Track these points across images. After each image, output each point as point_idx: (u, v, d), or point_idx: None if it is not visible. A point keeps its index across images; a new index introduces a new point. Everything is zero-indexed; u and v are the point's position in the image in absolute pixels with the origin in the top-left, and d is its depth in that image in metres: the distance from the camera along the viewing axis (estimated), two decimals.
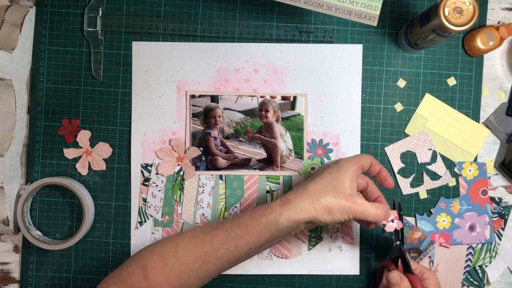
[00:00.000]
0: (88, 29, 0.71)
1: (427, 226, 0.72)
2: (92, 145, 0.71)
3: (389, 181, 0.63)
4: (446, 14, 0.58)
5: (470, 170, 0.72)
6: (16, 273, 0.72)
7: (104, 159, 0.72)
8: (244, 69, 0.72)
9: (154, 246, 0.60)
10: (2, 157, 0.66)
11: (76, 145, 0.72)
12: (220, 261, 0.58)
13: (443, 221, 0.72)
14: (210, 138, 0.71)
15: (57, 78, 0.72)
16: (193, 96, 0.71)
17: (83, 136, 0.71)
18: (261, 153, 0.72)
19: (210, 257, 0.57)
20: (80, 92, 0.72)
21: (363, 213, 0.58)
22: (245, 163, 0.71)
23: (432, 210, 0.72)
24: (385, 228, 0.62)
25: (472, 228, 0.72)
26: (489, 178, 0.73)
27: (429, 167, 0.72)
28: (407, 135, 0.72)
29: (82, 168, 0.71)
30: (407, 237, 0.71)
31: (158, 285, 0.57)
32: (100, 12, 0.71)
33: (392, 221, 0.62)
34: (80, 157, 0.72)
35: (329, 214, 0.57)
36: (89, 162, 0.72)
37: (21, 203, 0.69)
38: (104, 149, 0.71)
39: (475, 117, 0.72)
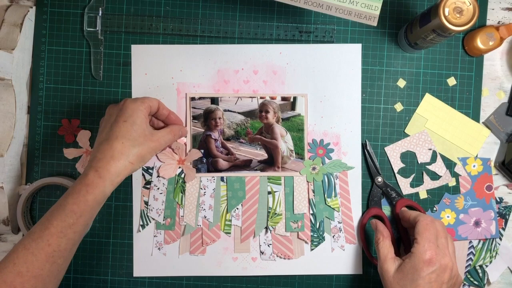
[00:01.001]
0: (88, 29, 0.71)
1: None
2: (92, 145, 0.71)
3: (178, 122, 0.68)
4: (446, 14, 0.58)
5: (474, 166, 0.72)
6: None
7: None
8: (244, 71, 0.72)
9: None
10: (2, 157, 0.66)
11: (76, 145, 0.72)
12: (66, 250, 0.57)
13: (448, 216, 0.72)
14: (210, 140, 0.71)
15: (57, 78, 0.72)
16: (193, 99, 0.71)
17: (83, 136, 0.71)
18: (262, 154, 0.72)
19: (55, 255, 0.56)
20: (80, 92, 0.72)
21: (166, 143, 0.64)
22: (246, 165, 0.71)
23: (436, 206, 0.72)
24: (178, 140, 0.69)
25: (477, 223, 0.72)
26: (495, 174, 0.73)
27: (429, 167, 0.72)
28: (407, 135, 0.73)
29: (82, 168, 0.71)
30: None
31: None
32: (100, 12, 0.71)
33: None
34: (80, 157, 0.72)
35: (143, 161, 0.61)
36: None
37: (21, 203, 0.69)
38: None
39: (475, 117, 0.72)
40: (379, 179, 0.71)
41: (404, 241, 0.70)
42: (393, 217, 0.72)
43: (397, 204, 0.71)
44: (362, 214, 0.72)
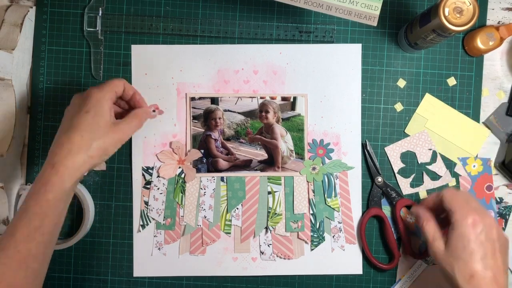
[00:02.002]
0: (88, 29, 0.71)
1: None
2: None
3: (141, 103, 0.64)
4: (446, 14, 0.58)
5: (474, 166, 0.72)
6: None
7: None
8: (244, 71, 0.72)
9: None
10: (2, 157, 0.66)
11: None
12: (39, 254, 0.54)
13: None
14: (210, 140, 0.71)
15: (57, 78, 0.72)
16: (193, 99, 0.71)
17: None
18: (262, 154, 0.72)
19: (28, 260, 0.53)
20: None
21: (131, 131, 0.60)
22: (246, 165, 0.71)
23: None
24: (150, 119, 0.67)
25: None
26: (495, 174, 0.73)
27: (429, 167, 0.72)
28: (407, 135, 0.73)
29: None
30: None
31: None
32: (100, 12, 0.71)
33: (154, 111, 0.66)
34: None
35: (106, 154, 0.58)
36: None
37: (21, 203, 0.68)
38: None
39: (475, 117, 0.72)
40: (379, 179, 0.71)
41: (405, 242, 0.70)
42: (393, 217, 0.72)
43: (397, 204, 0.71)
44: (362, 214, 0.72)
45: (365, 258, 0.72)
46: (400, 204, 0.71)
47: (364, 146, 0.72)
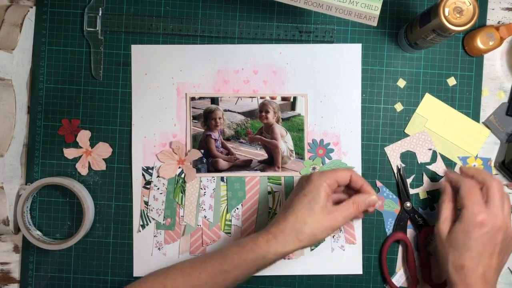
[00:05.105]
0: (88, 29, 0.71)
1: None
2: (92, 145, 0.71)
3: (369, 192, 0.62)
4: (446, 14, 0.58)
5: (474, 166, 0.72)
6: (16, 273, 0.72)
7: (104, 159, 0.72)
8: (244, 71, 0.72)
9: (147, 277, 0.62)
10: (2, 157, 0.66)
11: (76, 145, 0.72)
12: None
13: None
14: (210, 140, 0.71)
15: (57, 78, 0.72)
16: (193, 99, 0.71)
17: (83, 136, 0.71)
18: (262, 154, 0.72)
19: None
20: (80, 92, 0.72)
21: (345, 219, 0.60)
22: (246, 165, 0.71)
23: (435, 205, 0.72)
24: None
25: None
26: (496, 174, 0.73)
27: (429, 167, 0.72)
28: (407, 135, 0.72)
29: (82, 168, 0.71)
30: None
31: None
32: (100, 12, 0.71)
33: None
34: (80, 157, 0.72)
35: (315, 239, 0.59)
36: (89, 162, 0.72)
37: (21, 203, 0.69)
38: (104, 149, 0.71)
39: (475, 117, 0.72)
40: (408, 204, 0.71)
41: (425, 269, 0.70)
42: (416, 243, 0.71)
43: (422, 231, 0.71)
44: (385, 239, 0.72)
45: (365, 258, 0.72)
46: (425, 232, 0.70)
47: (398, 171, 0.71)
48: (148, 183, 0.71)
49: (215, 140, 0.71)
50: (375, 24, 0.60)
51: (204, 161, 0.71)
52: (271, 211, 0.71)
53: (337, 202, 0.61)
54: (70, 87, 0.72)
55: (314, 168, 0.71)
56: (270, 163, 0.72)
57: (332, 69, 0.72)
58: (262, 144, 0.72)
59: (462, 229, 0.59)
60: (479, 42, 0.69)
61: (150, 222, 0.71)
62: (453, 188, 0.65)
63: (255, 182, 0.71)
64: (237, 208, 0.71)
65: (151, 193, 0.71)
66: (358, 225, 0.72)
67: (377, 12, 0.60)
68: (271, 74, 0.72)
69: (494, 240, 0.58)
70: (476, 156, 0.72)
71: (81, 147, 0.71)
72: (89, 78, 0.72)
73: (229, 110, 0.71)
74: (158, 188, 0.71)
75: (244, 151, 0.71)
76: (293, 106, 0.72)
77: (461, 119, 0.72)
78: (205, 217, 0.71)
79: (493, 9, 0.73)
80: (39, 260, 0.72)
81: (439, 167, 0.72)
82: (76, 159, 0.72)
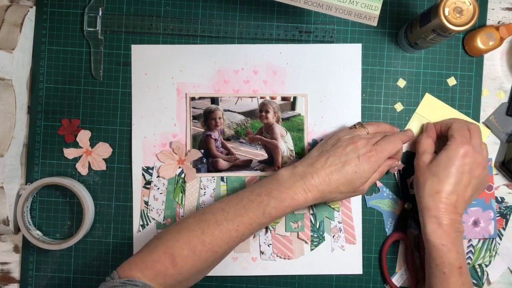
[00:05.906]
0: (88, 29, 0.71)
1: None
2: (92, 145, 0.71)
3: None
4: (446, 14, 0.58)
5: None
6: (16, 273, 0.72)
7: (104, 159, 0.72)
8: (244, 70, 0.72)
9: (180, 234, 0.60)
10: (2, 157, 0.66)
11: (76, 145, 0.72)
12: (243, 241, 0.61)
13: None
14: (210, 140, 0.71)
15: (57, 78, 0.72)
16: (193, 99, 0.71)
17: (83, 136, 0.71)
18: (262, 154, 0.72)
19: (235, 240, 0.60)
20: (80, 92, 0.72)
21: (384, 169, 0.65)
22: (246, 165, 0.71)
23: None
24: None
25: (476, 223, 0.72)
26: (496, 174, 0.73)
27: None
28: None
29: (82, 168, 0.71)
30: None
31: (185, 271, 0.58)
32: (100, 12, 0.71)
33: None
34: (80, 157, 0.72)
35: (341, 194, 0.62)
36: (89, 162, 0.72)
37: (21, 203, 0.69)
38: (104, 149, 0.71)
39: (475, 117, 0.72)
40: (408, 204, 0.71)
41: (424, 268, 0.70)
42: (416, 243, 0.71)
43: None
44: (385, 239, 0.72)
45: (365, 258, 0.72)
46: None
47: (398, 171, 0.72)
48: (148, 183, 0.71)
49: (215, 140, 0.71)
50: (375, 24, 0.60)
51: (204, 161, 0.71)
52: None
53: None
54: (70, 87, 0.72)
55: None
56: (270, 163, 0.72)
57: (332, 69, 0.72)
58: (262, 144, 0.72)
59: (446, 156, 0.63)
60: (479, 42, 0.69)
61: (150, 222, 0.71)
62: (436, 129, 0.69)
63: (255, 182, 0.71)
64: None
65: (151, 193, 0.71)
66: (358, 225, 0.72)
67: (377, 12, 0.60)
68: (271, 74, 0.72)
69: (472, 173, 0.63)
70: None
71: (81, 147, 0.72)
72: (89, 78, 0.72)
73: (229, 110, 0.71)
74: (158, 188, 0.71)
75: (244, 151, 0.71)
76: (293, 106, 0.72)
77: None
78: None
79: (493, 9, 0.73)
80: (39, 260, 0.72)
81: None
82: (76, 159, 0.72)
